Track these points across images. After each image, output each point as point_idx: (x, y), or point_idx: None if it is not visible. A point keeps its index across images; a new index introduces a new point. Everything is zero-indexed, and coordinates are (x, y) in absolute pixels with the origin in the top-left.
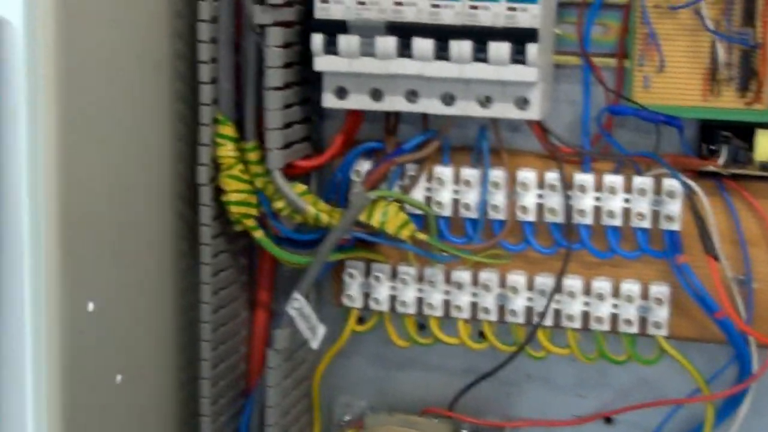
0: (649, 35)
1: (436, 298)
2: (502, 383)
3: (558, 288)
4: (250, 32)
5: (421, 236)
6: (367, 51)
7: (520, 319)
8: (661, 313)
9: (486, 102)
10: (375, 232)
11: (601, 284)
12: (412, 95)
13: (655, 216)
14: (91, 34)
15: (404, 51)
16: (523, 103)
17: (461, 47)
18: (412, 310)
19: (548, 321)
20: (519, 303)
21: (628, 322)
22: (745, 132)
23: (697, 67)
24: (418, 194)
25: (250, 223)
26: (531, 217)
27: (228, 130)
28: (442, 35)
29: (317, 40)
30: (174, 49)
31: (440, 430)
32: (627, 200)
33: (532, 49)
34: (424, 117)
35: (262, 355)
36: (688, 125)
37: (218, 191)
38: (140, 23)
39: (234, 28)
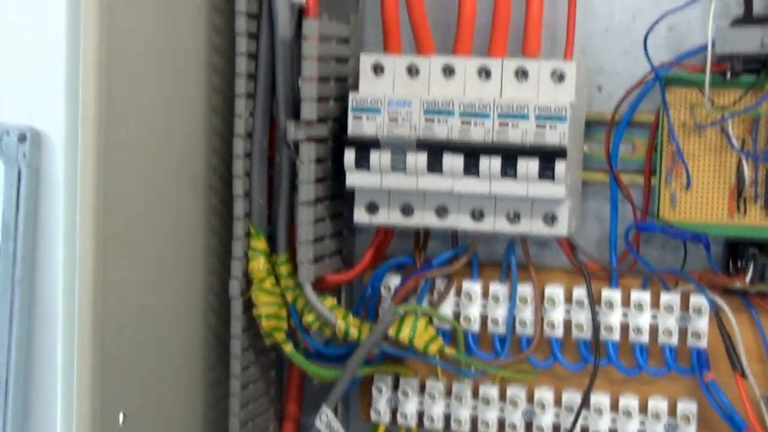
0: (676, 153)
1: (463, 413)
2: None
3: (585, 404)
4: (283, 147)
5: (449, 351)
6: (398, 167)
7: None
8: (689, 431)
9: (515, 218)
10: (403, 347)
11: (629, 401)
12: (441, 211)
13: (683, 333)
14: (130, 149)
15: (434, 167)
16: (551, 219)
17: (491, 164)
18: (439, 425)
19: None
20: (546, 419)
21: None
22: None
23: (724, 184)
24: (447, 309)
25: (281, 336)
26: (558, 333)
27: (260, 243)
28: (472, 152)
29: (349, 156)
30: (209, 164)
31: None
32: (654, 317)
33: (560, 166)
34: (454, 232)
35: None
36: (714, 242)
37: (249, 304)
38: (177, 139)
39: (268, 143)
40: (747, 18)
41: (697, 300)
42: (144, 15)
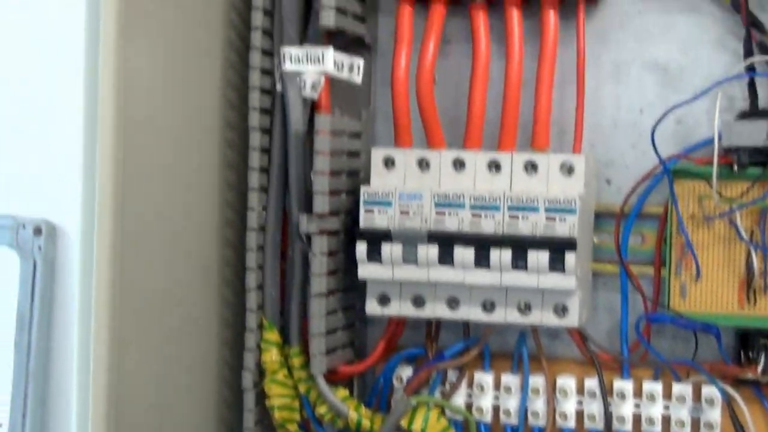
0: (686, 244)
1: None
2: None
3: None
4: (296, 240)
5: None
6: (410, 259)
7: None
8: None
9: (525, 309)
10: None
11: None
12: (453, 302)
13: (695, 424)
14: (144, 242)
15: (445, 259)
16: (562, 310)
17: (501, 256)
18: None
19: None
20: None
21: None
22: None
23: (733, 275)
24: (459, 400)
25: (294, 428)
26: (571, 424)
27: (273, 335)
28: (483, 244)
29: (361, 248)
30: (223, 256)
31: None
32: (666, 407)
33: (570, 258)
34: (465, 323)
35: None
36: (725, 333)
37: (262, 396)
38: (191, 231)
39: (281, 236)
40: (752, 111)
41: (709, 391)
42: (160, 111)
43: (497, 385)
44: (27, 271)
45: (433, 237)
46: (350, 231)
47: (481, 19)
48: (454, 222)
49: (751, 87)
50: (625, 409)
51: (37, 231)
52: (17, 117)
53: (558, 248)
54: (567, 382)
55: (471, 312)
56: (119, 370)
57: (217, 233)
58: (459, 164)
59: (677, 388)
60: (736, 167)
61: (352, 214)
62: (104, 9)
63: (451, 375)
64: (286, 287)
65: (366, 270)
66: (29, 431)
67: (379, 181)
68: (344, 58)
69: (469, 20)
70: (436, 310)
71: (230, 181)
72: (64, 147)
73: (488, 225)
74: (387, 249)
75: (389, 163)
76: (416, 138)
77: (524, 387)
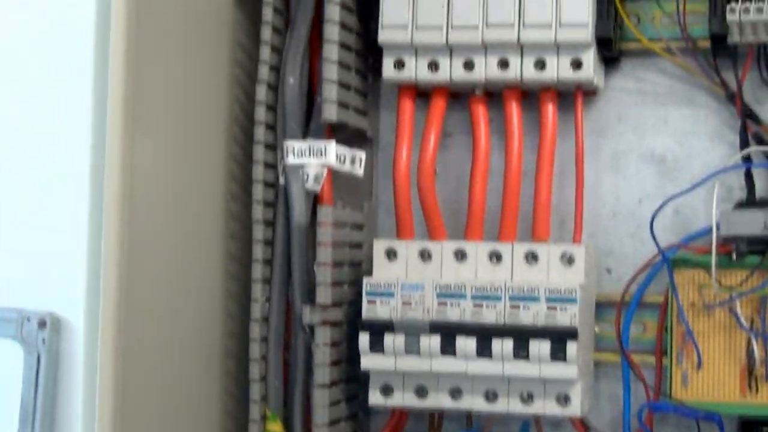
0: (686, 333)
1: None
2: None
3: None
4: (299, 331)
5: None
6: (412, 350)
7: None
8: None
9: (528, 399)
10: None
11: None
12: (455, 392)
13: None
14: (148, 336)
15: (448, 350)
16: (564, 400)
17: (503, 346)
18: None
19: None
20: None
21: None
22: None
23: (735, 363)
24: None
25: None
26: None
27: (276, 426)
28: (485, 334)
29: (364, 339)
30: (225, 348)
31: None
32: None
33: (571, 347)
34: (468, 413)
35: None
36: (727, 421)
37: None
38: (194, 325)
39: (284, 327)
40: (750, 201)
41: None
42: (164, 204)
43: None
44: (31, 364)
45: (435, 327)
46: (353, 322)
47: (481, 112)
48: (455, 312)
49: (748, 177)
50: None
51: (42, 324)
52: (22, 208)
53: (559, 338)
54: None
55: (474, 402)
56: None
57: (221, 325)
58: (460, 255)
59: None
60: (734, 256)
61: (355, 304)
62: (111, 106)
63: None
64: (290, 378)
65: (369, 361)
66: None
67: (382, 272)
68: (346, 151)
69: (469, 113)
70: (439, 400)
71: (234, 273)
72: (69, 239)
73: (490, 315)
74: (389, 339)
75: (391, 254)
76: (418, 229)
77: None
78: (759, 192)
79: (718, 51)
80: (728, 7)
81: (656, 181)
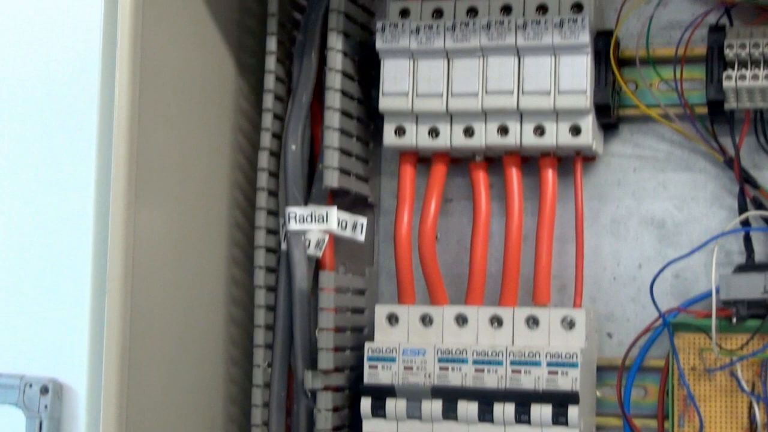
0: (688, 397)
1: None
2: None
3: None
4: (301, 396)
5: None
6: (414, 414)
7: None
8: None
9: None
10: None
11: None
12: None
13: None
14: (151, 402)
15: (449, 414)
16: None
17: (504, 410)
18: None
19: None
20: None
21: None
22: None
23: (736, 427)
24: None
25: None
26: None
27: None
28: (486, 399)
29: (366, 404)
30: (227, 413)
31: None
32: None
33: (573, 411)
34: None
35: None
36: None
37: None
38: (196, 390)
39: (286, 392)
40: (749, 265)
41: None
42: (168, 272)
43: None
44: (32, 431)
45: (436, 392)
46: (355, 387)
47: (481, 178)
48: (457, 377)
49: (747, 241)
50: None
51: (44, 390)
52: (26, 275)
53: (561, 402)
54: None
55: None
56: None
57: (223, 390)
58: (461, 320)
59: None
60: (735, 320)
61: (357, 369)
62: (114, 177)
63: None
64: None
65: (371, 426)
66: None
67: (383, 337)
68: (348, 217)
69: (470, 179)
70: None
71: (236, 339)
72: (71, 306)
73: (491, 380)
74: (391, 404)
75: (393, 319)
76: (419, 294)
77: None
78: (758, 256)
79: (716, 117)
80: (724, 74)
81: (656, 246)
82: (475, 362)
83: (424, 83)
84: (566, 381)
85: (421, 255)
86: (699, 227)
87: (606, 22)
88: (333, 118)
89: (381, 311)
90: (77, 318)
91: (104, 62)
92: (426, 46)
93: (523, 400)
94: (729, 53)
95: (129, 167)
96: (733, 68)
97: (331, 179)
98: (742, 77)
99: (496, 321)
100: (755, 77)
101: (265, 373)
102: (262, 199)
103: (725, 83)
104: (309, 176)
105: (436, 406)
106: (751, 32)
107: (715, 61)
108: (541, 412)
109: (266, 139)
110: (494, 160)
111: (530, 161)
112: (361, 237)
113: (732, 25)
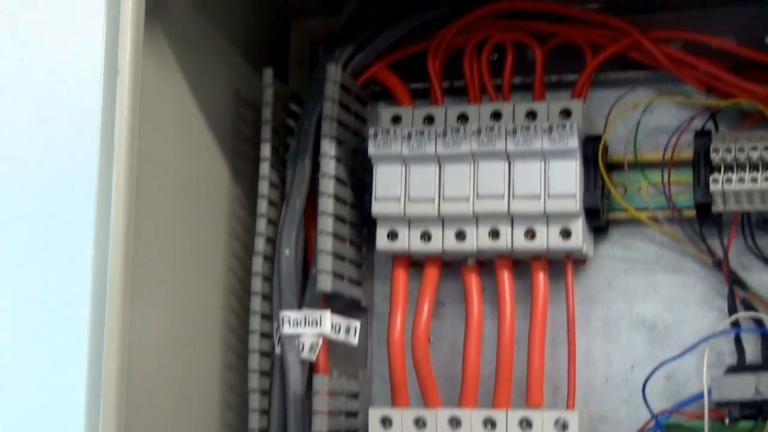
0: None
1: None
2: None
3: None
4: None
5: None
6: None
7: None
8: None
9: None
10: None
11: None
12: None
13: None
14: None
15: None
16: None
17: None
18: None
19: None
20: None
21: None
22: None
23: None
24: None
25: None
26: None
27: None
28: None
29: None
30: None
31: None
32: None
33: None
34: None
35: None
36: None
37: None
38: None
39: None
40: (740, 366)
41: None
42: (162, 366)
43: None
44: None
45: None
46: None
47: (474, 281)
48: None
49: (738, 342)
50: None
51: None
52: (18, 363)
53: None
54: None
55: None
56: None
57: None
58: (455, 422)
59: None
60: (727, 420)
61: None
62: (111, 283)
63: None
64: None
65: None
66: None
67: None
68: (341, 321)
69: (462, 282)
70: None
71: (231, 411)
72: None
73: None
74: None
75: (386, 422)
76: (413, 397)
77: None
78: (749, 357)
79: (704, 219)
80: (711, 178)
81: (647, 348)
82: None
83: (416, 188)
84: None
85: (414, 358)
86: (689, 329)
87: (594, 127)
88: (326, 223)
89: (375, 414)
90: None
91: (101, 169)
92: (418, 152)
93: None
94: (715, 157)
95: (125, 272)
96: (719, 172)
97: (325, 283)
98: (729, 181)
99: (490, 423)
100: (741, 180)
101: None
102: (257, 304)
103: (712, 187)
104: (303, 280)
105: None
106: (736, 137)
107: (702, 165)
108: None
109: (260, 244)
110: (486, 264)
111: (521, 264)
112: (354, 340)
113: (717, 130)
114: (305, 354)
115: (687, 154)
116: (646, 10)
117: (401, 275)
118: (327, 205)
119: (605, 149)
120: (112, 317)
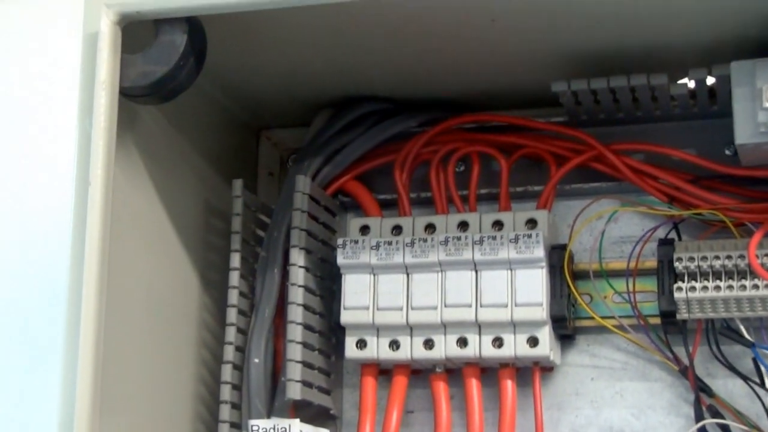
0: None
1: None
2: None
3: None
4: None
5: None
6: None
7: None
8: None
9: None
10: None
11: None
12: None
13: None
14: None
15: None
16: None
17: None
18: None
19: None
20: None
21: None
22: None
23: None
24: None
25: None
26: None
27: None
28: None
29: None
30: None
31: None
32: None
33: None
34: None
35: None
36: None
37: None
38: None
39: None
40: None
41: None
42: None
43: None
44: None
45: None
46: None
47: (442, 389)
48: None
49: None
50: None
51: None
52: None
53: None
54: None
55: None
56: None
57: None
58: None
59: None
60: None
61: None
62: (80, 393)
63: None
64: None
65: None
66: None
67: None
68: (310, 430)
69: (430, 390)
70: None
71: None
72: None
73: None
74: None
75: None
76: None
77: None
78: None
79: (669, 327)
80: (675, 286)
81: None
82: None
83: (385, 297)
84: None
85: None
86: None
87: (559, 236)
88: (295, 332)
89: None
90: None
91: (72, 277)
92: (386, 261)
93: None
94: (679, 266)
95: (94, 383)
96: (683, 280)
97: (294, 392)
98: (693, 289)
99: None
100: (705, 288)
101: None
102: (225, 413)
103: (676, 294)
104: (272, 389)
105: None
106: (699, 246)
107: (666, 273)
108: None
109: (229, 353)
110: (454, 371)
111: (490, 372)
112: None
113: (680, 239)
114: None
115: (651, 262)
116: (608, 122)
117: (370, 383)
118: (296, 314)
119: (571, 258)
120: (80, 428)
